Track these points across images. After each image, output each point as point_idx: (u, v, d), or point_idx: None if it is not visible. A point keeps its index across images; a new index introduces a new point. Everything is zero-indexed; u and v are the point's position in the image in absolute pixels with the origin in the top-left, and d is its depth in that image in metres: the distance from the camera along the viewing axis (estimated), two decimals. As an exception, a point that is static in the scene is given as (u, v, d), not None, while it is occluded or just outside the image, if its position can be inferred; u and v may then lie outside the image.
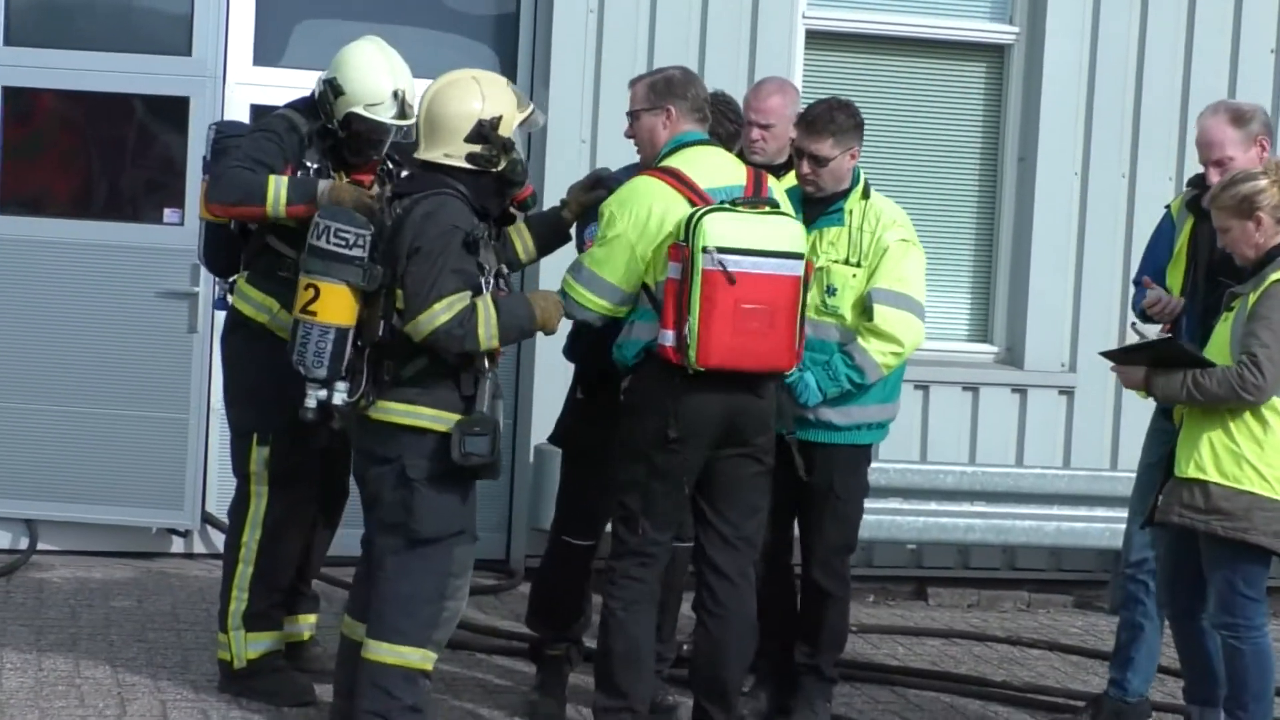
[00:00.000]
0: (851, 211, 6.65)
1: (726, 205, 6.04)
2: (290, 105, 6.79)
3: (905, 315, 6.60)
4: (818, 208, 6.66)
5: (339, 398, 6.03)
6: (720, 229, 5.93)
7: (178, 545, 9.04)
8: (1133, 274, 8.60)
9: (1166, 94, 9.41)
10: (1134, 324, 6.77)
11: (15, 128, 8.91)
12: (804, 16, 9.22)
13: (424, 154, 6.09)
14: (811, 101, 6.85)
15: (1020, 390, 9.36)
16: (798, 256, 6.04)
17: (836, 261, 6.60)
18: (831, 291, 6.58)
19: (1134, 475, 7.07)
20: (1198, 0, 9.40)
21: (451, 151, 6.04)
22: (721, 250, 5.91)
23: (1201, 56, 9.40)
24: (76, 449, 8.78)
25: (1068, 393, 9.34)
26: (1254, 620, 6.07)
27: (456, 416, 5.98)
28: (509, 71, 9.12)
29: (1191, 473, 6.04)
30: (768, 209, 6.09)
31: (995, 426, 9.34)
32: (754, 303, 5.95)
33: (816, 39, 9.30)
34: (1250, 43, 9.44)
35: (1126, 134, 9.39)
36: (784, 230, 6.05)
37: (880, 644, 8.28)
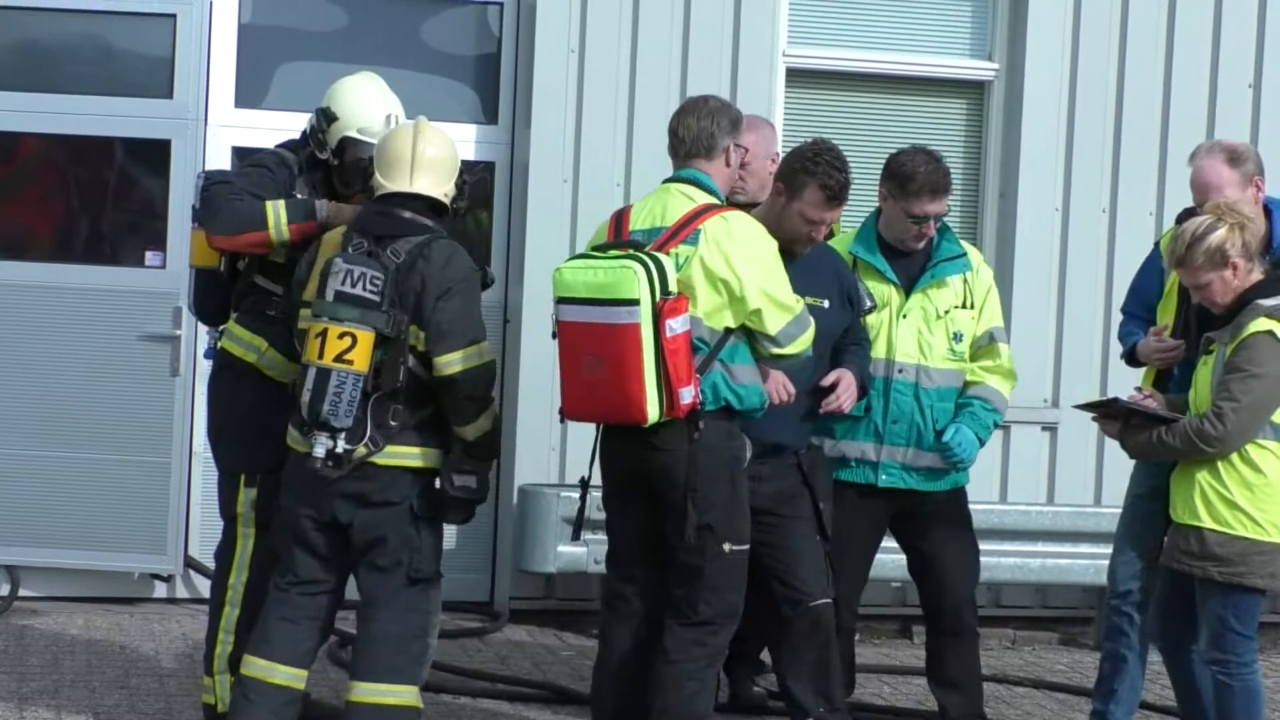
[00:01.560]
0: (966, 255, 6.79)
1: (590, 251, 6.02)
2: (279, 145, 6.80)
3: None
4: (922, 257, 6.70)
5: (341, 446, 5.98)
6: (563, 278, 5.94)
7: (160, 590, 9.00)
8: (1115, 309, 8.63)
9: (1146, 129, 9.43)
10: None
11: (-3, 170, 8.92)
12: (784, 55, 9.25)
13: (427, 190, 6.11)
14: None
15: (1003, 427, 9.33)
16: (629, 303, 5.79)
17: (958, 307, 6.69)
18: (959, 338, 6.67)
19: (1118, 511, 7.07)
20: (1176, 36, 9.44)
21: (449, 191, 6.17)
22: (560, 300, 5.93)
23: (1180, 92, 9.43)
24: (58, 494, 8.74)
25: (1051, 429, 9.34)
26: (1244, 657, 6.10)
27: None
28: (490, 112, 9.16)
29: (1186, 519, 6.09)
30: (619, 254, 5.90)
31: (978, 463, 9.25)
32: (590, 352, 5.88)
33: (797, 77, 9.32)
34: (1228, 78, 9.47)
35: (1107, 170, 9.41)
36: (616, 276, 5.82)
37: (866, 683, 8.25)
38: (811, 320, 6.12)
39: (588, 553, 8.67)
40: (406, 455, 6.04)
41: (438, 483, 6.06)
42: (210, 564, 6.81)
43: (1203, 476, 6.04)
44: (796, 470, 6.48)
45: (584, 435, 8.91)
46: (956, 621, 6.88)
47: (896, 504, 6.79)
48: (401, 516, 6.03)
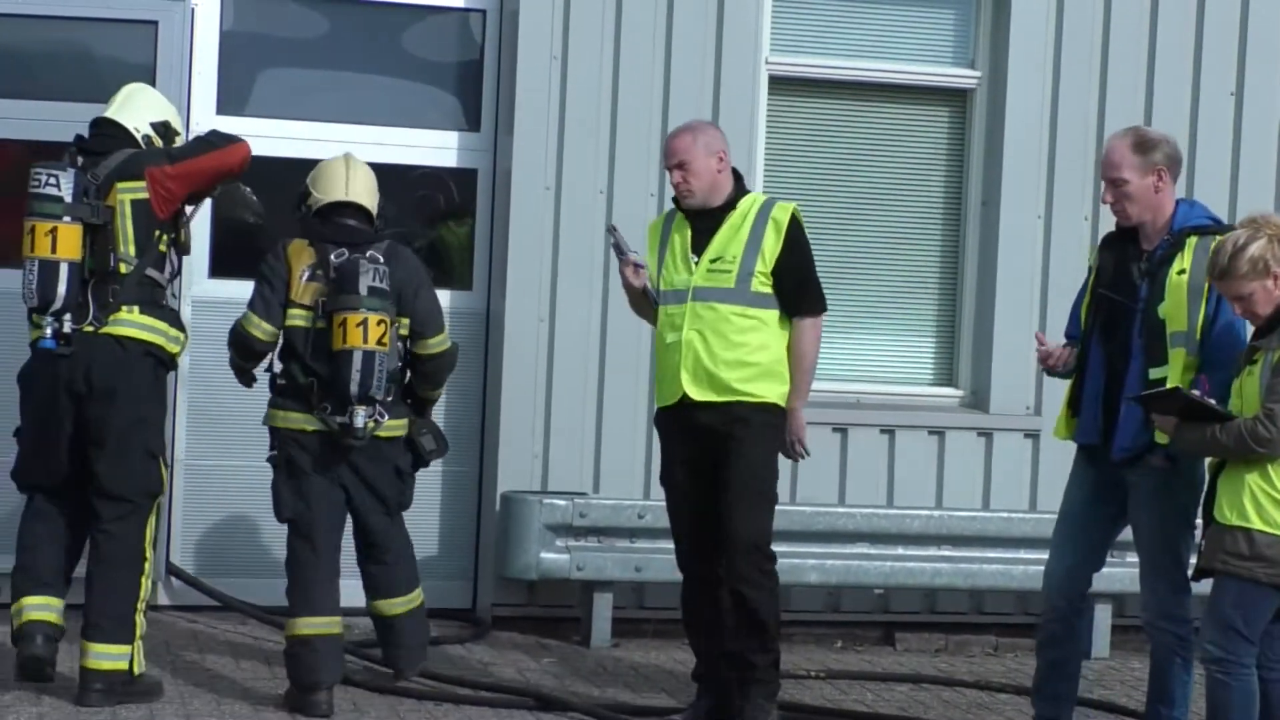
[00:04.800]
0: None
1: None
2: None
3: None
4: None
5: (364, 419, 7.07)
6: None
7: (142, 597, 8.94)
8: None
9: (1128, 137, 9.44)
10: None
11: (-25, 178, 8.87)
12: (767, 62, 9.25)
13: (361, 198, 7.32)
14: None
15: (986, 434, 9.37)
16: None
17: None
18: None
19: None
20: (1159, 43, 9.47)
21: (372, 206, 7.40)
22: None
23: (1163, 99, 9.45)
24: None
25: (1033, 436, 9.35)
26: (1245, 659, 6.22)
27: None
28: (473, 119, 9.15)
29: (1235, 520, 6.16)
30: None
31: (961, 470, 9.35)
32: None
33: (780, 84, 9.33)
34: (1210, 85, 9.49)
35: (1089, 177, 9.41)
36: None
37: (849, 690, 8.26)
38: None
39: (570, 560, 8.67)
40: (397, 426, 7.27)
41: (437, 443, 7.47)
42: (190, 569, 6.84)
43: (1252, 479, 6.14)
44: None
45: (566, 444, 8.96)
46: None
47: None
48: (392, 472, 7.33)
